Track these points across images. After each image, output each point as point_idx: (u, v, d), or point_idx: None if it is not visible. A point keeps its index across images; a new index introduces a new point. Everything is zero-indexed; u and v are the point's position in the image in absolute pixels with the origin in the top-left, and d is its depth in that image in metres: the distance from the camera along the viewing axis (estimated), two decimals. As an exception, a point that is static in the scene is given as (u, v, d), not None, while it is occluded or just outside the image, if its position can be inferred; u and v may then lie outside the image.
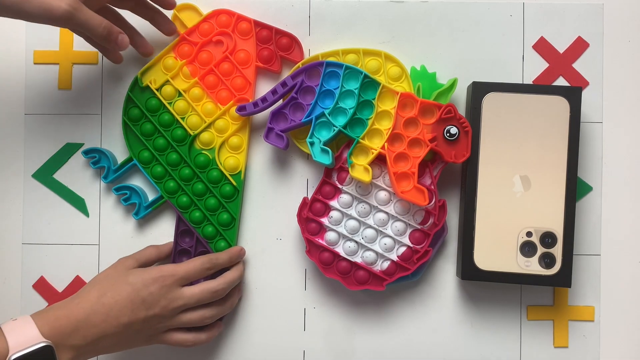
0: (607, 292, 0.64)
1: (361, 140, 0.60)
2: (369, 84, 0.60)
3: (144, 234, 0.65)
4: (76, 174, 0.65)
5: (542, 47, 0.64)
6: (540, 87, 0.61)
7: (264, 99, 0.61)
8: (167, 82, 0.63)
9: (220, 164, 0.63)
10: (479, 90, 0.60)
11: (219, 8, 0.64)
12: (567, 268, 0.59)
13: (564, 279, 0.60)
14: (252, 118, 0.64)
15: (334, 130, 0.60)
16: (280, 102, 0.62)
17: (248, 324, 0.64)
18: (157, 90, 0.63)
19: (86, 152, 0.64)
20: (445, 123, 0.60)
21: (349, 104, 0.60)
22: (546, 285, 0.61)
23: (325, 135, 0.61)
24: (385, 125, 0.60)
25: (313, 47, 0.65)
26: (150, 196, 0.65)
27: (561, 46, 0.64)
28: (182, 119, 0.63)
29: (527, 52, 0.64)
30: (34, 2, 0.50)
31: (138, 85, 0.63)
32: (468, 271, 0.60)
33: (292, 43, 0.63)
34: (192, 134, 0.63)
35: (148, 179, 0.64)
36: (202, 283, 0.59)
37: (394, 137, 0.60)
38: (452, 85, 0.61)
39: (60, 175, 0.65)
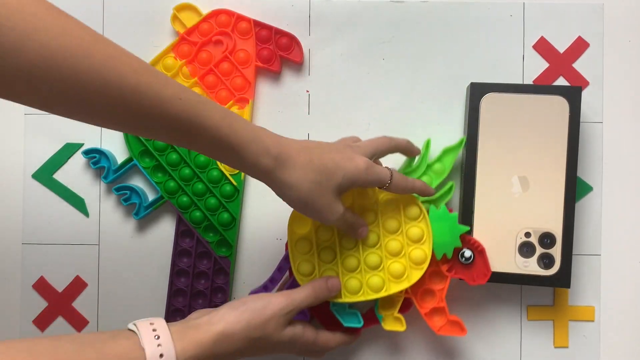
0: (607, 292, 0.64)
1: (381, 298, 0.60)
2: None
3: (144, 234, 0.65)
4: (76, 174, 0.65)
5: (542, 47, 0.64)
6: (539, 87, 0.61)
7: (272, 279, 0.61)
8: None
9: (220, 163, 0.63)
10: (477, 91, 0.60)
11: (219, 8, 0.64)
12: (566, 268, 0.59)
13: (563, 279, 0.60)
14: (252, 118, 0.64)
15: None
16: (288, 275, 0.61)
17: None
18: None
19: (86, 152, 0.64)
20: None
21: None
22: (545, 286, 0.61)
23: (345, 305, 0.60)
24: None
25: (313, 47, 0.65)
26: (151, 196, 0.65)
27: (561, 46, 0.64)
28: None
29: (527, 52, 0.64)
30: (311, 211, 0.53)
31: None
32: (468, 272, 0.60)
33: (291, 43, 0.63)
34: None
35: (148, 179, 0.64)
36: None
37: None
38: (460, 143, 0.60)
39: (60, 175, 0.65)
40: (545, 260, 0.60)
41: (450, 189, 0.60)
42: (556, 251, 0.59)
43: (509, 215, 0.60)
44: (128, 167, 0.64)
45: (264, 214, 0.65)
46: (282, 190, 0.51)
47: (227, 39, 0.63)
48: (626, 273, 0.64)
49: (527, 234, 0.60)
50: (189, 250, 0.63)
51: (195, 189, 0.63)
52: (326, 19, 0.65)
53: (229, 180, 0.63)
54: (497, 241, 0.60)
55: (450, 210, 0.59)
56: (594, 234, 0.64)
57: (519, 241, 0.60)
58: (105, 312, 0.65)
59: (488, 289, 0.63)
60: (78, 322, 0.65)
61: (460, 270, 0.59)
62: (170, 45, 0.64)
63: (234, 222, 0.63)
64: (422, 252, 0.59)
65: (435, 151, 0.63)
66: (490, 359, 0.64)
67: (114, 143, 0.65)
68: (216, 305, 0.63)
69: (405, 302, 0.60)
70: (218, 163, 0.63)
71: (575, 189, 0.59)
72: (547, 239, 0.59)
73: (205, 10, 0.64)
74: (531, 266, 0.60)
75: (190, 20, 0.64)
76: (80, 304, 0.65)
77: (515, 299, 0.64)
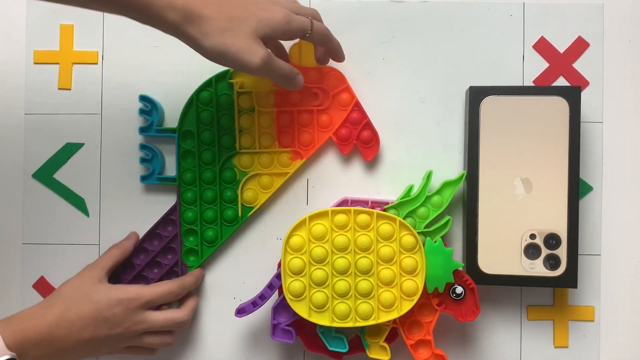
0: (607, 292, 0.64)
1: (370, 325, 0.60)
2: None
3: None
4: (76, 174, 0.65)
5: (542, 47, 0.64)
6: (539, 89, 0.61)
7: (261, 296, 0.60)
8: (249, 92, 0.62)
9: (241, 188, 0.63)
10: (476, 95, 0.60)
11: (335, 68, 0.62)
12: (572, 269, 0.59)
13: (570, 279, 0.60)
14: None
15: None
16: (277, 295, 0.61)
17: (249, 323, 0.64)
18: (237, 92, 0.63)
19: (142, 98, 0.63)
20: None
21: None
22: (552, 287, 0.61)
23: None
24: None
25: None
26: (168, 172, 0.65)
27: (561, 46, 0.64)
28: (240, 131, 0.63)
29: (527, 52, 0.64)
30: (231, 58, 0.53)
31: (227, 76, 0.63)
32: (473, 276, 0.60)
33: (372, 139, 0.63)
34: (238, 149, 0.63)
35: (174, 159, 0.64)
36: (168, 311, 0.59)
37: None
38: (461, 177, 0.60)
39: (60, 175, 0.65)
40: (551, 262, 0.60)
41: (447, 223, 0.59)
42: (562, 252, 0.59)
43: (514, 218, 0.60)
44: (167, 135, 0.63)
45: (263, 214, 0.65)
46: (195, 43, 0.52)
47: (324, 97, 0.62)
48: (626, 273, 0.64)
49: (532, 236, 0.59)
50: (163, 236, 0.63)
51: (205, 194, 0.63)
52: (326, 19, 0.65)
53: (238, 208, 0.63)
54: (502, 244, 0.60)
55: (446, 245, 0.59)
56: (594, 234, 0.64)
57: (524, 243, 0.60)
58: (106, 312, 0.65)
59: (488, 289, 0.63)
60: (78, 322, 0.65)
61: (451, 306, 0.60)
62: None
63: (216, 244, 0.63)
64: (415, 283, 0.59)
65: (434, 152, 0.63)
66: (490, 359, 0.64)
67: (114, 142, 0.65)
68: None
69: (392, 332, 0.60)
70: (239, 193, 0.63)
71: (578, 188, 0.59)
72: (552, 240, 0.59)
73: None
74: (537, 268, 0.60)
75: (306, 55, 0.62)
76: (80, 304, 0.65)
77: (515, 299, 0.64)
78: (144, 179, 0.63)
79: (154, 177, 0.63)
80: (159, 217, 0.64)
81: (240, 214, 0.63)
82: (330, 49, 0.60)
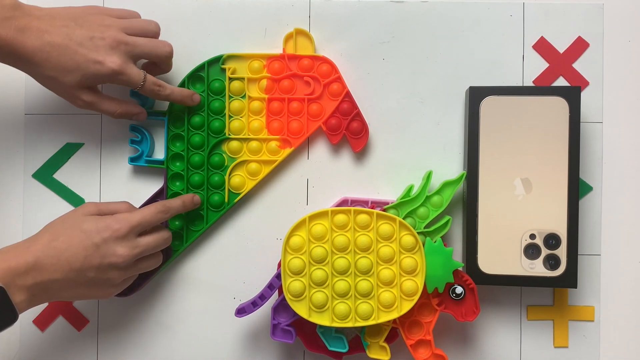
0: (607, 292, 0.64)
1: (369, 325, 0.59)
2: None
3: (144, 234, 0.65)
4: (76, 174, 0.65)
5: (542, 47, 0.64)
6: (538, 89, 0.61)
7: (261, 296, 0.60)
8: (242, 79, 0.63)
9: (229, 174, 0.63)
10: (476, 95, 0.60)
11: (327, 58, 0.63)
12: (572, 269, 0.59)
13: (570, 279, 0.60)
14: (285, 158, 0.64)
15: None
16: (277, 295, 0.61)
17: (249, 323, 0.64)
18: (229, 78, 0.63)
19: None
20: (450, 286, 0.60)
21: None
22: (552, 287, 0.61)
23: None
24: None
25: (313, 47, 0.65)
26: (157, 154, 0.65)
27: (561, 46, 0.64)
28: (230, 117, 0.63)
29: (527, 52, 0.64)
30: (58, 94, 0.58)
31: (219, 62, 0.63)
32: (473, 276, 0.60)
33: (362, 130, 0.63)
34: (227, 134, 0.63)
35: (163, 142, 0.64)
36: (154, 233, 0.58)
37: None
38: (461, 177, 0.60)
39: (60, 175, 0.65)
40: (551, 262, 0.60)
41: (447, 223, 0.60)
42: (561, 252, 0.59)
43: (513, 218, 0.60)
44: (157, 118, 0.63)
45: (263, 214, 0.65)
46: (29, 73, 0.57)
47: (316, 86, 0.63)
48: (626, 273, 0.64)
49: (532, 236, 0.60)
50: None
51: (192, 179, 0.63)
52: (326, 19, 0.65)
53: (225, 194, 0.63)
54: (502, 244, 0.60)
55: (446, 245, 0.59)
56: (594, 234, 0.64)
57: (524, 243, 0.60)
58: (106, 311, 0.65)
59: (488, 289, 0.63)
60: (78, 322, 0.65)
61: (450, 306, 0.60)
62: (267, 54, 0.63)
63: (202, 228, 0.63)
64: (414, 283, 0.59)
65: (434, 152, 0.63)
66: (490, 359, 0.64)
67: (114, 143, 0.65)
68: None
69: (392, 332, 0.60)
70: (226, 177, 0.63)
71: (578, 189, 0.59)
72: (552, 240, 0.59)
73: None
74: (537, 268, 0.60)
75: (303, 47, 0.63)
76: (80, 304, 0.65)
77: (515, 299, 0.64)
78: (132, 160, 0.63)
79: (142, 159, 0.63)
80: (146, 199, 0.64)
81: (226, 200, 0.63)
82: (165, 100, 0.61)
